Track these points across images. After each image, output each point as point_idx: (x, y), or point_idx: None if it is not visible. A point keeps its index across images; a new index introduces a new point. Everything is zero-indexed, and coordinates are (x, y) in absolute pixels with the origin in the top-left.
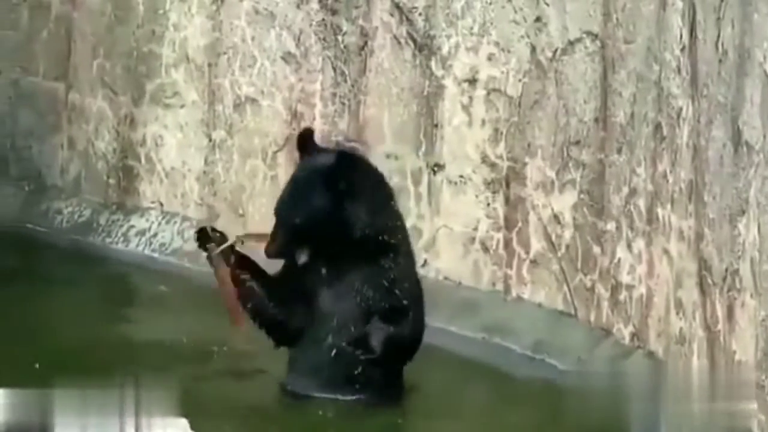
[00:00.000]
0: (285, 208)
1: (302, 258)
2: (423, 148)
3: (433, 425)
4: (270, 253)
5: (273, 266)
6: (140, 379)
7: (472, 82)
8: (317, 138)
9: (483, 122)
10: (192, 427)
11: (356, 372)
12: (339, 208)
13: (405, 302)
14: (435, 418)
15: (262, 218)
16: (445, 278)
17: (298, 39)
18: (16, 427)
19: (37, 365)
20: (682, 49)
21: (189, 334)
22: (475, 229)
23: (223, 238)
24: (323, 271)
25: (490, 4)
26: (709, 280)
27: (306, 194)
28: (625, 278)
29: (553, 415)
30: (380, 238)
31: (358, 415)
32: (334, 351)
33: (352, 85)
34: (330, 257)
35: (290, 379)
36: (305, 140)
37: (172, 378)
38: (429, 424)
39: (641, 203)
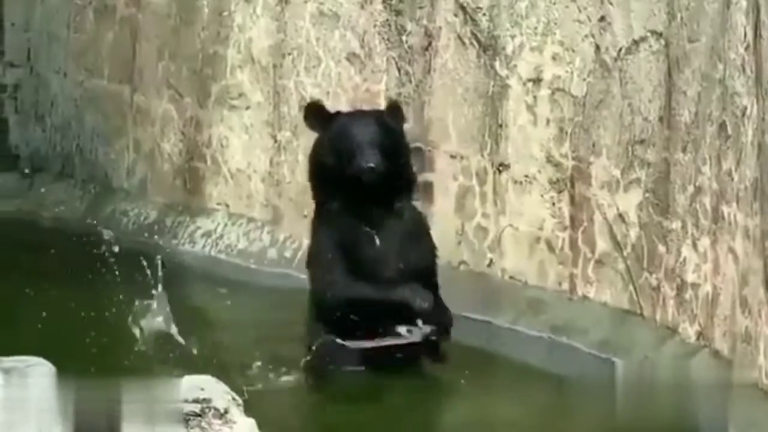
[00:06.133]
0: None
1: None
2: (488, 148)
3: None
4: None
5: None
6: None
7: (537, 81)
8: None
9: (548, 122)
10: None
11: None
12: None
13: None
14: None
15: None
16: (511, 278)
17: (363, 39)
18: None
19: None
20: (747, 48)
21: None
22: (541, 228)
23: None
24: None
25: (555, 3)
26: None
27: (395, 134)
28: (690, 277)
29: (604, 413)
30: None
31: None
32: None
33: (417, 86)
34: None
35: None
36: (316, 112)
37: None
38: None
39: (706, 202)
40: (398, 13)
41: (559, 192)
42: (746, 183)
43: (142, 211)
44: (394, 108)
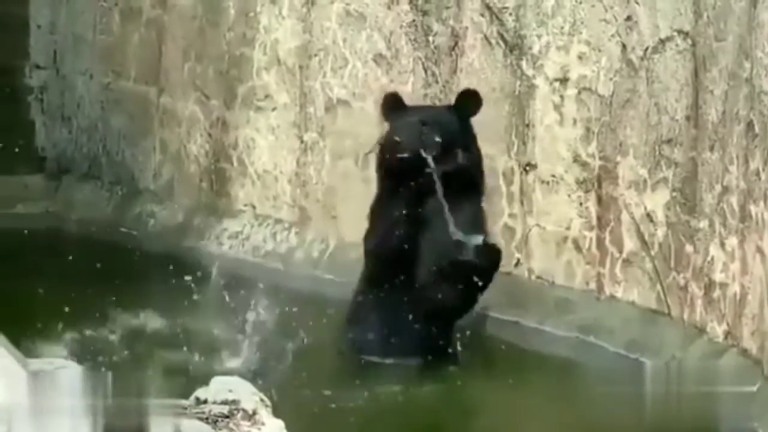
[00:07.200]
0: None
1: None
2: (515, 148)
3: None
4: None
5: None
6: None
7: (564, 81)
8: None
9: (574, 121)
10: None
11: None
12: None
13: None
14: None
15: (354, 220)
16: (538, 277)
17: (389, 40)
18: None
19: None
20: None
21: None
22: (568, 228)
23: None
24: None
25: (581, 3)
26: None
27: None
28: (718, 276)
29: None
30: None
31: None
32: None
33: (443, 86)
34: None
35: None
36: (393, 103)
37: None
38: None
39: (734, 201)
40: (425, 13)
41: (586, 192)
42: None
43: (168, 213)
44: (466, 95)
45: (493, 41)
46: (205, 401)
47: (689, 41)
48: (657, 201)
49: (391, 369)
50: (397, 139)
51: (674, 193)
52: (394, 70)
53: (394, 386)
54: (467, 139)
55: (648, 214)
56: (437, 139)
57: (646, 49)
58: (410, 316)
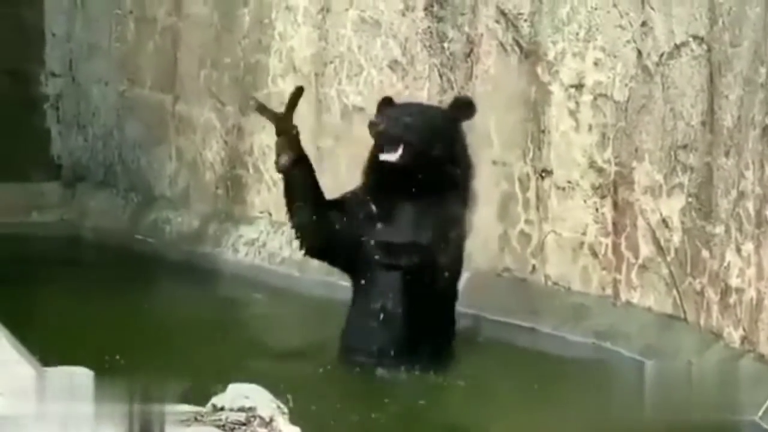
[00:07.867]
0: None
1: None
2: (530, 154)
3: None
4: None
5: None
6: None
7: (579, 87)
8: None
9: (590, 127)
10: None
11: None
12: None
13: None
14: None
15: None
16: (554, 284)
17: (404, 47)
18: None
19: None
20: None
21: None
22: (584, 234)
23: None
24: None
25: (596, 9)
26: None
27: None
28: (734, 281)
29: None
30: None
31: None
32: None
33: (459, 93)
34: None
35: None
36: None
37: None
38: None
39: (750, 206)
40: (440, 20)
41: (602, 197)
42: None
43: (184, 220)
44: (460, 101)
45: (508, 48)
46: (222, 408)
47: (704, 47)
48: (673, 206)
49: (382, 378)
50: (380, 129)
51: (690, 199)
52: (410, 77)
53: (387, 396)
54: (450, 143)
55: (664, 220)
56: (417, 132)
57: (662, 54)
58: (388, 325)
